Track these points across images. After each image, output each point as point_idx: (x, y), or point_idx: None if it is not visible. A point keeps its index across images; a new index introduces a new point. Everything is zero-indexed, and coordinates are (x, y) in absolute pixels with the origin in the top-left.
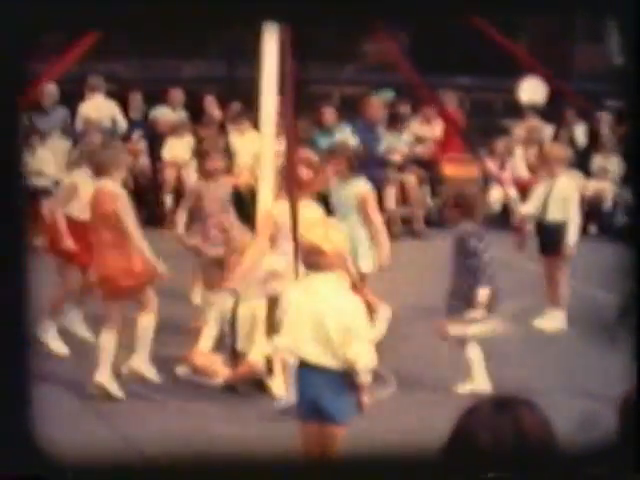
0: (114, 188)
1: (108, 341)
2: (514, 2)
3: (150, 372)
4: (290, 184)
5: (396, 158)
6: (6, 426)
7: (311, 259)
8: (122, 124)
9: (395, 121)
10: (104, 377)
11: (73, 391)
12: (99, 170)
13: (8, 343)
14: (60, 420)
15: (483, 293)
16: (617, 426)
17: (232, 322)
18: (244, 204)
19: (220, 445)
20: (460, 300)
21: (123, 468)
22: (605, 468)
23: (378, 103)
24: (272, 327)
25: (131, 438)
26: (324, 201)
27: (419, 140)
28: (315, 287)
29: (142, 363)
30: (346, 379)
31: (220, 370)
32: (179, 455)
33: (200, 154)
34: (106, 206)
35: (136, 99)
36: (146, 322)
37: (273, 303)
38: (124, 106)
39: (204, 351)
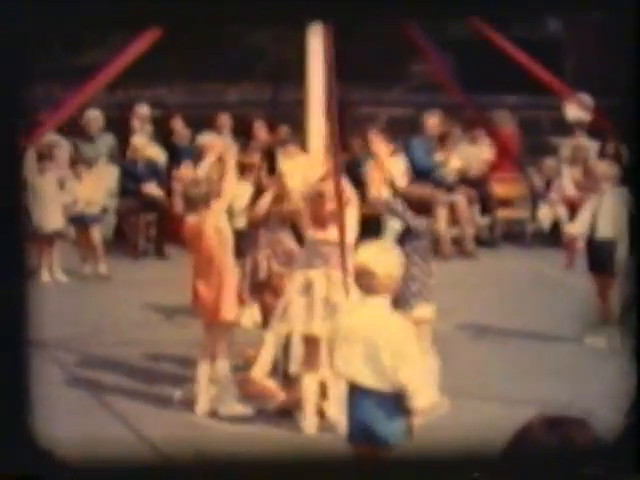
0: (208, 224)
1: (201, 372)
2: (514, 2)
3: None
4: (338, 206)
5: (448, 178)
6: (6, 426)
7: (363, 281)
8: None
9: (446, 141)
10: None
11: (73, 391)
12: (190, 206)
13: (8, 344)
14: (60, 420)
15: None
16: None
17: (285, 346)
18: (295, 227)
19: (223, 446)
20: None
21: (123, 467)
22: (605, 468)
23: (435, 120)
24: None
25: (132, 437)
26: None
27: (468, 160)
28: (367, 310)
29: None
30: (397, 402)
31: (275, 394)
32: (180, 455)
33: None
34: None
35: (180, 124)
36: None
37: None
38: (169, 132)
39: (260, 375)
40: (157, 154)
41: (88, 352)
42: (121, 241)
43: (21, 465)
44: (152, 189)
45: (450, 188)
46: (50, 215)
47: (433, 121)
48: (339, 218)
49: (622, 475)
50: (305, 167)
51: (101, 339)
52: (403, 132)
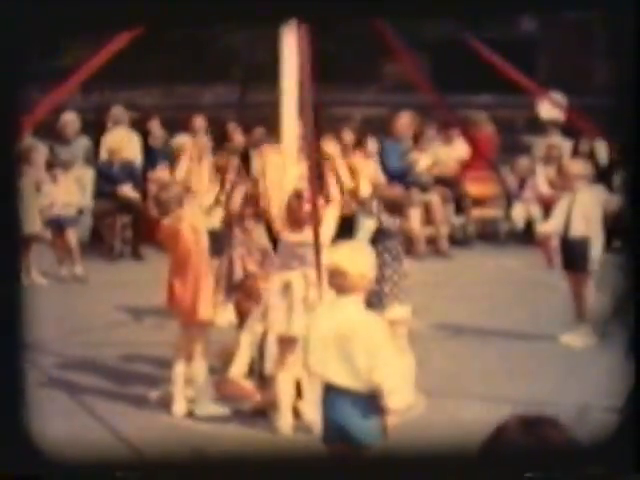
0: (184, 224)
1: (177, 373)
2: (515, 2)
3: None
4: (313, 207)
5: (422, 178)
6: (5, 426)
7: (336, 281)
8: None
9: (419, 141)
10: (179, 411)
11: (51, 392)
12: (162, 210)
13: (5, 344)
14: (59, 420)
15: None
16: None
17: (261, 346)
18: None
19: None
20: None
21: (120, 467)
22: (605, 468)
23: (407, 120)
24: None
25: (128, 437)
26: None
27: (441, 160)
28: (340, 309)
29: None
30: (372, 402)
31: (252, 394)
32: (176, 455)
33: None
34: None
35: (157, 126)
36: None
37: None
38: (144, 134)
39: (237, 375)
40: (133, 155)
41: (65, 353)
42: (97, 243)
43: (21, 465)
44: (128, 191)
45: (424, 188)
46: (26, 218)
47: (404, 121)
48: (314, 219)
49: (622, 475)
50: (280, 167)
51: (78, 340)
52: (377, 132)
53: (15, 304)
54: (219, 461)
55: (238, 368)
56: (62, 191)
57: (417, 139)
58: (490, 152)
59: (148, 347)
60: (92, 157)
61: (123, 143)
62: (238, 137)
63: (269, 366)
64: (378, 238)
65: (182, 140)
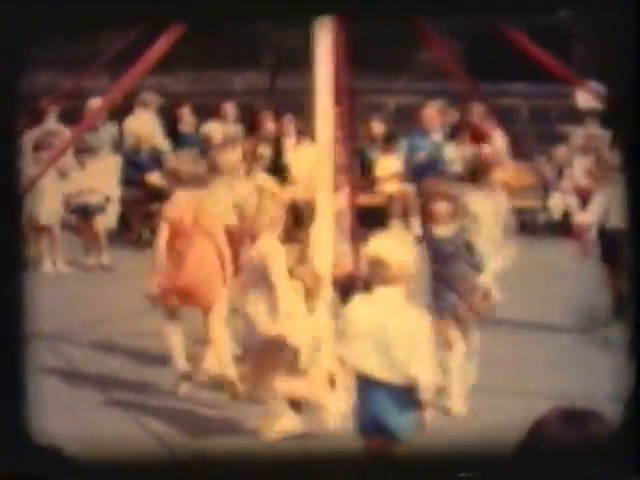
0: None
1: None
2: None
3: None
4: (350, 197)
5: (456, 169)
6: (5, 426)
7: (376, 272)
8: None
9: (453, 131)
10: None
11: (75, 383)
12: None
13: (5, 342)
14: (59, 413)
15: None
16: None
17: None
18: (302, 219)
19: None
20: None
21: (123, 465)
22: (605, 468)
23: (436, 110)
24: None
25: (135, 432)
26: None
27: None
28: (379, 301)
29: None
30: (409, 396)
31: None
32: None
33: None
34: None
35: (187, 113)
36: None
37: None
38: (174, 120)
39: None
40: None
41: (90, 342)
42: (125, 231)
43: (21, 465)
44: (155, 179)
45: (455, 179)
46: (48, 206)
47: (433, 111)
48: (350, 211)
49: (622, 475)
50: (313, 158)
51: (103, 329)
52: (409, 122)
53: (15, 301)
54: (244, 456)
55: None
56: (89, 178)
57: (453, 129)
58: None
59: None
60: (119, 144)
61: (150, 130)
62: (269, 124)
63: (302, 360)
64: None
65: (212, 126)
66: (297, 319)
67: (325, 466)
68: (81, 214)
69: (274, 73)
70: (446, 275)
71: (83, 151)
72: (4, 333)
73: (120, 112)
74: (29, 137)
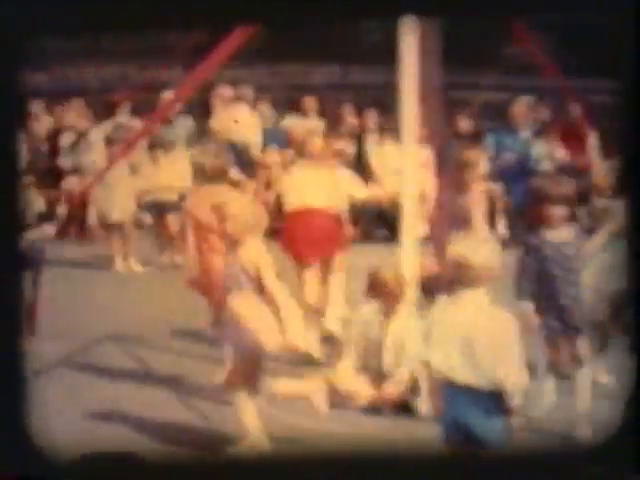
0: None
1: None
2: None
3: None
4: (439, 195)
5: (546, 167)
6: (5, 426)
7: (460, 274)
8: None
9: (542, 128)
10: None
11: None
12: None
13: (5, 343)
14: (59, 419)
15: None
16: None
17: (378, 340)
18: (387, 219)
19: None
20: None
21: (122, 466)
22: (605, 468)
23: (523, 108)
24: None
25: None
26: None
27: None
28: (464, 303)
29: None
30: (495, 401)
31: (364, 391)
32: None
33: None
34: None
35: (266, 107)
36: None
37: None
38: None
39: (347, 371)
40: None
41: (166, 344)
42: None
43: (21, 465)
44: (234, 174)
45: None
46: (120, 202)
47: (521, 108)
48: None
49: (622, 475)
50: (398, 156)
51: (177, 329)
52: (496, 118)
53: (15, 300)
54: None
55: (347, 362)
56: (163, 174)
57: (544, 127)
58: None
59: None
60: (195, 138)
61: (232, 124)
62: (351, 119)
63: (387, 361)
64: None
65: (292, 121)
66: (301, 324)
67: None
68: (155, 212)
69: (354, 68)
70: (560, 282)
71: (157, 146)
72: (4, 333)
73: (196, 106)
74: (101, 131)
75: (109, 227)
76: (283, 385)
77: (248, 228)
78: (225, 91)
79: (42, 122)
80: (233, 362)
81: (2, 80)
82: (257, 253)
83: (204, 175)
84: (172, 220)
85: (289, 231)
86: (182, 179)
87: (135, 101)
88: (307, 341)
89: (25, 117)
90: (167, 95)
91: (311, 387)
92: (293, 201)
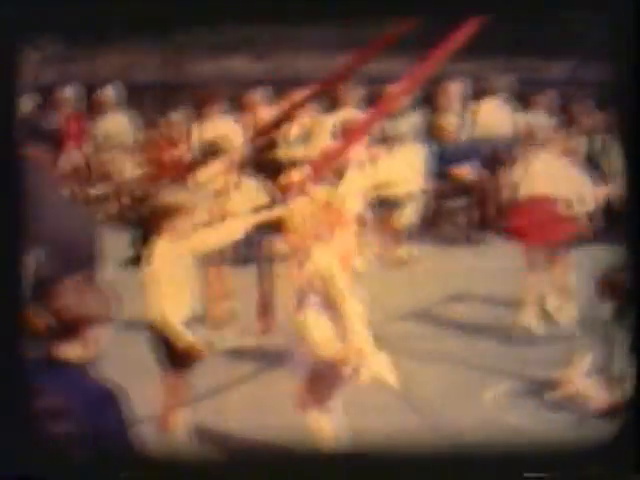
0: None
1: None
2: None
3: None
4: None
5: None
6: (5, 426)
7: None
8: None
9: None
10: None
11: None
12: None
13: (7, 343)
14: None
15: None
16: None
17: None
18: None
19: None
20: None
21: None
22: (605, 468)
23: None
24: None
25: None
26: None
27: None
28: None
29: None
30: None
31: (595, 396)
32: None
33: None
34: None
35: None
36: None
37: None
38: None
39: (580, 374)
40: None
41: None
42: (429, 227)
43: (21, 465)
44: (464, 172)
45: None
46: (350, 199)
47: None
48: None
49: (622, 475)
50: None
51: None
52: None
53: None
54: None
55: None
56: (389, 170)
57: None
58: None
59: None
60: (424, 134)
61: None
62: (585, 119)
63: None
64: None
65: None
66: (364, 337)
67: None
68: (381, 207)
69: (588, 64)
70: None
71: (383, 141)
72: (5, 329)
73: (425, 100)
74: (327, 123)
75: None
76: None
77: (322, 236)
78: (455, 85)
79: (264, 112)
80: (303, 380)
81: (2, 80)
82: (325, 262)
83: None
84: (399, 216)
85: (520, 215)
86: (410, 175)
87: (361, 94)
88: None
89: (247, 107)
90: (393, 88)
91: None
92: (526, 189)
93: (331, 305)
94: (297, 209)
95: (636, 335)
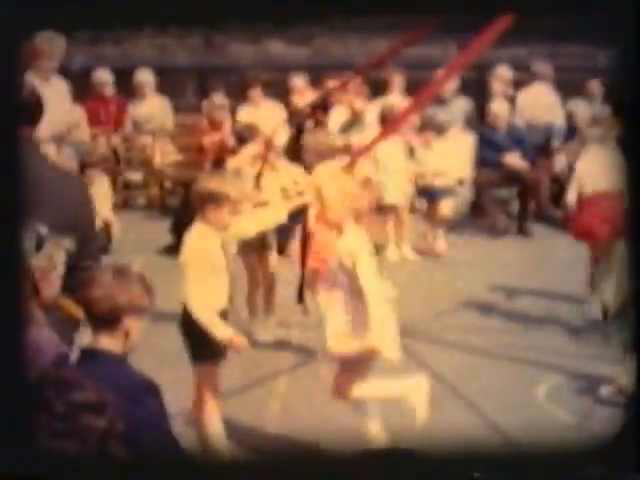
0: None
1: None
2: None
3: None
4: None
5: None
6: (5, 425)
7: None
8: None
9: None
10: None
11: None
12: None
13: (7, 344)
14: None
15: None
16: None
17: None
18: None
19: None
20: None
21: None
22: (605, 468)
23: None
24: None
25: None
26: None
27: None
28: None
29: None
30: None
31: None
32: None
33: None
34: None
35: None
36: None
37: None
38: None
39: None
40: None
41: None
42: (478, 217)
43: (21, 465)
44: (515, 160)
45: None
46: (394, 184)
47: None
48: None
49: (622, 475)
50: None
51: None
52: None
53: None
54: None
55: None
56: (437, 157)
57: None
58: None
59: None
60: (473, 120)
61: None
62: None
63: None
64: None
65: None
66: (385, 328)
67: None
68: (428, 197)
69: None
70: None
71: (430, 128)
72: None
73: (474, 86)
74: (373, 109)
75: (383, 210)
76: (372, 386)
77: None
78: (504, 72)
79: (304, 97)
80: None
81: (2, 80)
82: (355, 243)
83: (320, 156)
84: (445, 206)
85: (583, 212)
86: (458, 164)
87: (407, 79)
88: (389, 345)
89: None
90: (439, 73)
91: (409, 387)
92: (587, 185)
93: (358, 291)
94: (337, 186)
95: (635, 335)
